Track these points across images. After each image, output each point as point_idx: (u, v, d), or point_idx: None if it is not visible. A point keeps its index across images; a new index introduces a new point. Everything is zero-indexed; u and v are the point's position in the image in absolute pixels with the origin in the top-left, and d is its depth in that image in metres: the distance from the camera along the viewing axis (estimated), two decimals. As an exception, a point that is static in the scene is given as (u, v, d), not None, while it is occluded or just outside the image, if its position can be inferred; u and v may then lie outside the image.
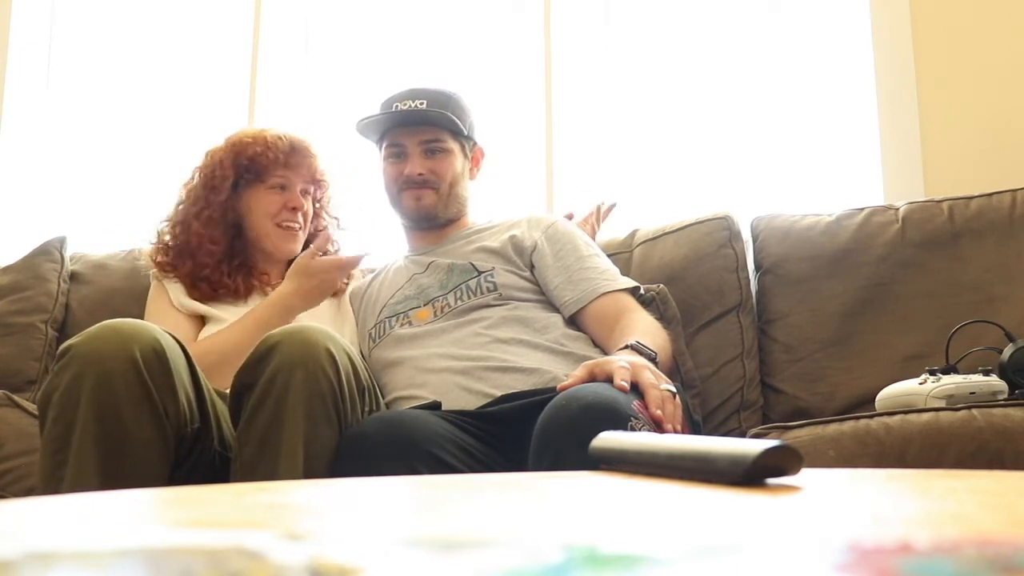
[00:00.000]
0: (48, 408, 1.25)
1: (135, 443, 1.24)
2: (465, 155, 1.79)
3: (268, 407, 1.26)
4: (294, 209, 1.75)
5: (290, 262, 1.78)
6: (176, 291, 1.73)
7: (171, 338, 1.31)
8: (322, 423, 1.28)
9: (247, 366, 1.31)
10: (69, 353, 1.26)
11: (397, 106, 1.74)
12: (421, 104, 1.72)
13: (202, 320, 1.72)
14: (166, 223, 1.79)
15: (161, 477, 1.28)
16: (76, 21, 2.92)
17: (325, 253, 1.73)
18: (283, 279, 1.79)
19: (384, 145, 1.78)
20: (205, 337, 1.65)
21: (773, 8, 2.43)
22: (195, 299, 1.71)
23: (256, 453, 1.26)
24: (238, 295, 1.73)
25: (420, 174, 1.73)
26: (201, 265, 1.71)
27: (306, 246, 1.79)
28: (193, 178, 1.79)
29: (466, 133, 1.77)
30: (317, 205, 1.84)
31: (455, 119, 1.74)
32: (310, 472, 1.25)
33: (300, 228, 1.77)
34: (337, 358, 1.30)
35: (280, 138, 1.75)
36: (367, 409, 1.41)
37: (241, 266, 1.75)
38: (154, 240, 1.80)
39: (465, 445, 1.36)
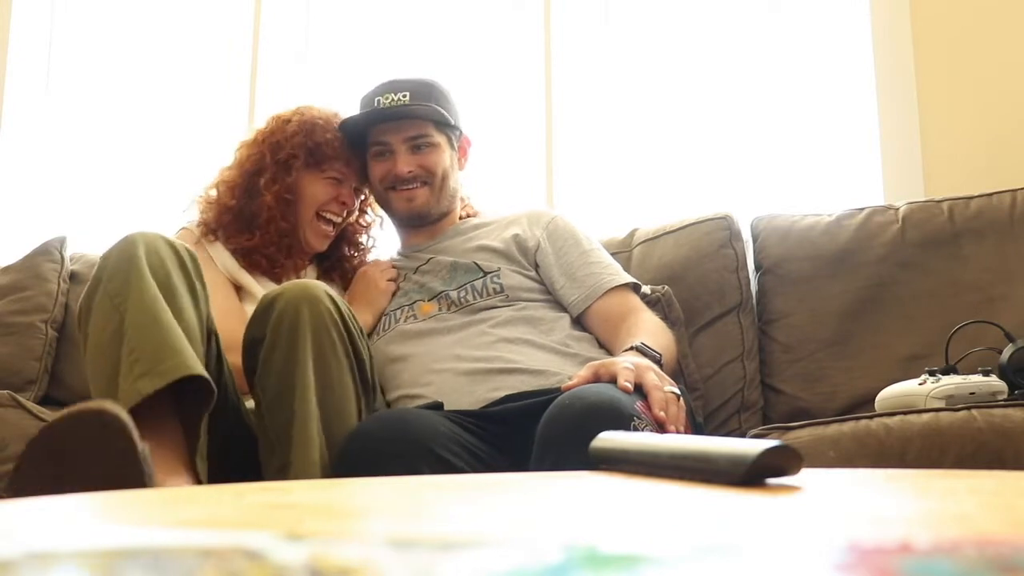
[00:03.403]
0: (101, 277, 1.28)
1: (184, 299, 1.30)
2: (452, 146, 1.75)
3: (281, 346, 1.31)
4: (343, 204, 1.72)
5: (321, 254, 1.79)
6: (221, 255, 1.69)
7: None
8: (330, 352, 1.33)
9: (254, 320, 1.36)
10: (112, 246, 1.31)
11: (379, 100, 1.69)
12: (403, 97, 1.68)
13: (238, 289, 1.70)
14: (221, 183, 1.73)
15: (202, 341, 1.31)
16: (76, 23, 2.92)
17: (357, 254, 1.80)
18: (306, 261, 1.77)
19: (368, 143, 1.73)
20: None
21: (773, 8, 2.43)
22: (242, 267, 1.69)
23: (276, 392, 1.30)
24: (285, 272, 1.72)
25: (409, 171, 1.69)
26: (268, 242, 1.68)
27: (336, 241, 1.79)
28: (256, 140, 1.73)
29: (452, 123, 1.73)
30: (363, 200, 1.81)
31: (441, 110, 1.69)
32: (325, 404, 1.30)
33: (335, 228, 1.74)
34: (336, 299, 1.37)
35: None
36: (368, 358, 1.44)
37: (292, 246, 1.72)
38: (205, 195, 1.74)
39: (468, 445, 1.35)
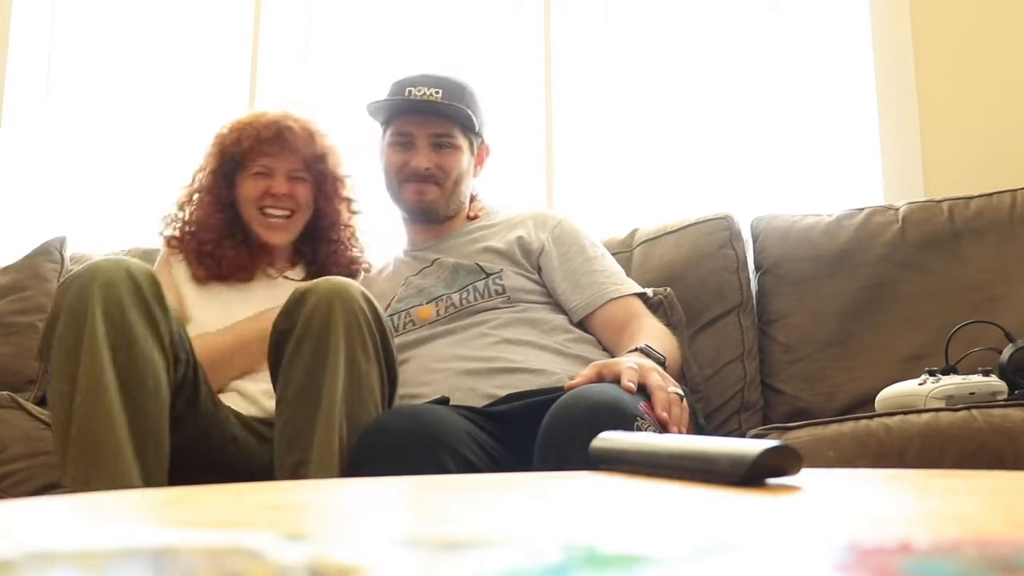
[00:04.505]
0: (59, 316, 1.25)
1: (139, 342, 1.26)
2: (472, 151, 1.74)
3: (311, 339, 1.29)
4: (275, 196, 1.68)
5: (294, 247, 1.76)
6: (182, 273, 1.71)
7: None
8: (360, 350, 1.31)
9: (283, 314, 1.34)
10: (72, 277, 1.28)
11: (410, 91, 1.67)
12: (436, 93, 1.66)
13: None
14: (179, 198, 1.78)
15: (164, 386, 1.29)
16: (76, 23, 2.92)
17: (340, 255, 1.76)
18: (285, 262, 1.77)
19: (390, 131, 1.71)
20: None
21: (773, 8, 2.43)
22: (200, 279, 1.69)
23: (301, 385, 1.29)
24: (244, 270, 1.71)
25: (427, 168, 1.68)
26: (204, 241, 1.70)
27: (308, 230, 1.74)
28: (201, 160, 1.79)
29: (477, 129, 1.72)
30: (325, 185, 1.75)
31: (470, 114, 1.68)
32: (351, 402, 1.29)
33: (287, 217, 1.70)
34: (369, 297, 1.36)
35: (266, 125, 1.68)
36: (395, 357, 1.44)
37: (244, 241, 1.72)
38: (170, 215, 1.78)
39: (482, 442, 1.35)
